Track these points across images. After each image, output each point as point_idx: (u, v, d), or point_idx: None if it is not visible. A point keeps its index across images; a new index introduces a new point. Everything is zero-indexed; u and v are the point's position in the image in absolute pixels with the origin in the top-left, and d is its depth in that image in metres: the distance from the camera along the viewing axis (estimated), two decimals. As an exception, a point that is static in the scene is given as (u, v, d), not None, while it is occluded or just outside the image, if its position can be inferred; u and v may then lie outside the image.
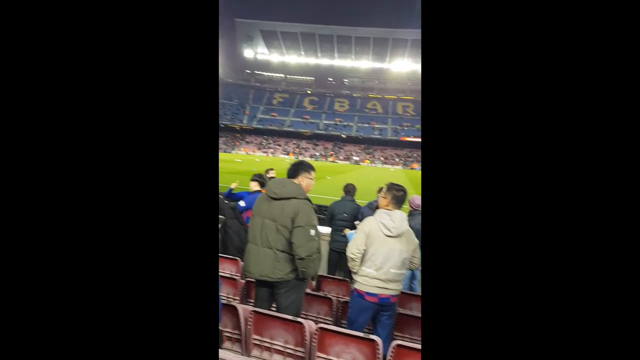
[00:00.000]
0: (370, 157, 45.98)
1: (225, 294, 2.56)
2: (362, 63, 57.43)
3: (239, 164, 23.82)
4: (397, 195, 2.19)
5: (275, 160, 34.03)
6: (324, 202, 7.22)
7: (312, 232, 2.00)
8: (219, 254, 3.08)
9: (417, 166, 39.46)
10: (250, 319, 1.81)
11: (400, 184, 2.28)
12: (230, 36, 57.88)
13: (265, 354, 1.82)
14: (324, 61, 59.09)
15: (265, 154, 45.61)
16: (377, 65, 56.17)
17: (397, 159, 44.31)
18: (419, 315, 2.24)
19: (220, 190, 4.54)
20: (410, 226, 2.22)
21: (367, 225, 2.16)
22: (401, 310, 2.33)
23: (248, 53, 60.52)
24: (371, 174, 24.93)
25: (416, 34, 45.97)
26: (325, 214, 4.06)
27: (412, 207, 3.66)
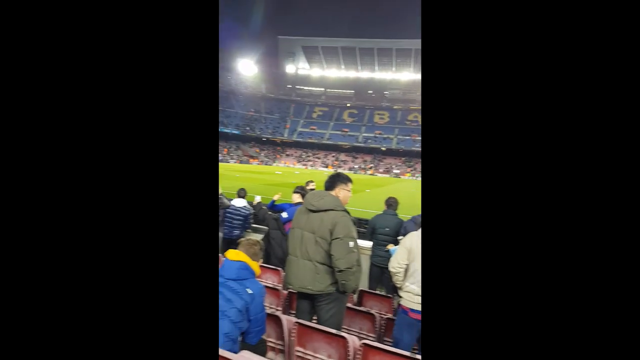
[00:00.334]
0: (411, 170, 44.88)
1: (268, 303, 2.61)
2: (403, 75, 56.90)
3: (279, 176, 24.36)
4: None
5: (314, 172, 34.39)
6: (363, 215, 7.14)
7: (351, 244, 1.98)
8: (262, 264, 3.15)
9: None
10: (293, 331, 1.83)
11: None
12: (273, 53, 60.31)
13: (308, 367, 1.82)
14: (364, 74, 59.39)
15: (304, 167, 46.28)
16: (419, 77, 55.19)
17: (439, 172, 42.66)
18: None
19: (264, 201, 4.68)
20: None
21: (409, 240, 2.11)
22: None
23: (290, 68, 62.56)
24: (413, 187, 24.21)
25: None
26: (365, 228, 4.02)
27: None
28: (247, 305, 1.52)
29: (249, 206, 4.51)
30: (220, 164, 36.67)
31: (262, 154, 50.76)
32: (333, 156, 51.31)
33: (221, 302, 1.49)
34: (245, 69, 61.48)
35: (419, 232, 2.12)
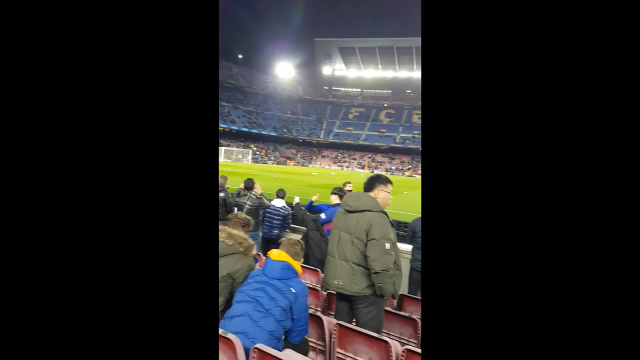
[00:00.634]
0: (451, 172, 43.11)
1: (307, 303, 2.63)
2: (442, 73, 54.86)
3: (316, 177, 24.55)
4: None
5: (350, 173, 34.25)
6: (403, 218, 6.99)
7: (388, 245, 1.94)
8: (302, 265, 3.19)
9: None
10: (334, 332, 1.83)
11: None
12: (310, 55, 60.97)
13: (348, 369, 1.81)
14: (402, 73, 58.17)
15: (340, 168, 46.26)
16: (460, 74, 53.01)
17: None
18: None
19: (301, 202, 4.74)
20: None
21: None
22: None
23: (326, 70, 62.88)
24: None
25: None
26: (405, 231, 3.93)
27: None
28: (290, 304, 1.54)
29: (287, 207, 4.59)
30: (258, 165, 37.75)
31: (299, 156, 51.43)
32: (369, 157, 50.77)
33: (265, 300, 1.52)
34: (283, 72, 62.75)
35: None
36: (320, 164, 48.78)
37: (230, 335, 1.29)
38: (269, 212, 4.47)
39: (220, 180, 4.85)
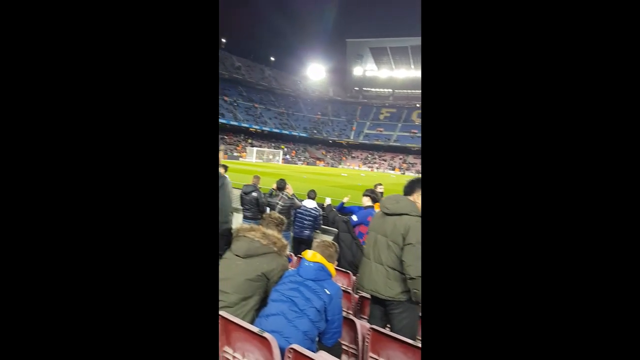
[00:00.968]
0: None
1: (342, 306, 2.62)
2: (478, 72, 52.87)
3: (345, 178, 24.46)
4: None
5: (381, 175, 33.81)
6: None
7: None
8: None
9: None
10: (368, 336, 1.81)
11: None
12: (341, 56, 60.94)
13: (381, 375, 1.78)
14: (435, 73, 56.53)
15: (370, 169, 45.80)
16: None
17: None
18: None
19: (333, 203, 4.74)
20: None
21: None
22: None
23: (357, 71, 62.60)
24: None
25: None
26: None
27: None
28: (325, 306, 1.54)
29: (318, 207, 4.60)
30: (288, 165, 38.22)
31: (329, 156, 51.51)
32: (401, 158, 49.85)
33: (300, 300, 1.53)
34: (313, 73, 63.17)
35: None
36: (349, 165, 48.56)
37: (266, 334, 1.31)
38: (300, 213, 4.51)
39: (253, 181, 4.96)
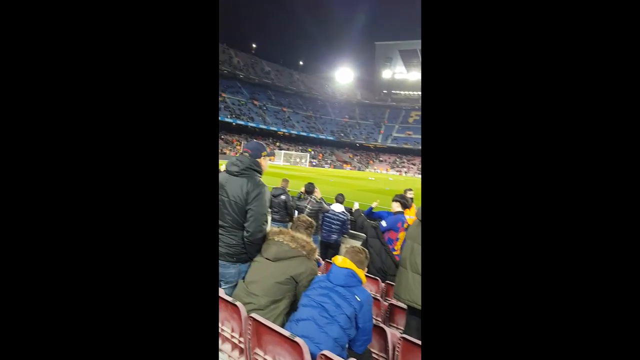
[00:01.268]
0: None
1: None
2: (514, 73, 50.75)
3: (373, 182, 24.19)
4: None
5: (409, 179, 33.15)
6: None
7: None
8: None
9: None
10: (398, 345, 1.77)
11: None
12: (370, 59, 60.61)
13: (411, 386, 1.74)
14: (467, 75, 54.89)
15: (398, 173, 45.05)
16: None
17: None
18: None
19: (361, 207, 4.70)
20: None
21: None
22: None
23: (386, 74, 61.93)
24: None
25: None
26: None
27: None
28: (355, 313, 1.53)
29: (346, 212, 4.57)
30: (315, 168, 38.39)
31: (356, 160, 51.23)
32: (429, 163, 48.61)
33: (331, 307, 1.53)
34: (342, 77, 63.22)
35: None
36: (377, 169, 48.03)
37: (297, 339, 1.31)
38: (327, 217, 4.50)
39: (282, 184, 5.02)
